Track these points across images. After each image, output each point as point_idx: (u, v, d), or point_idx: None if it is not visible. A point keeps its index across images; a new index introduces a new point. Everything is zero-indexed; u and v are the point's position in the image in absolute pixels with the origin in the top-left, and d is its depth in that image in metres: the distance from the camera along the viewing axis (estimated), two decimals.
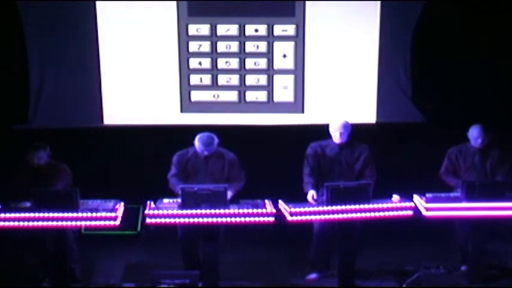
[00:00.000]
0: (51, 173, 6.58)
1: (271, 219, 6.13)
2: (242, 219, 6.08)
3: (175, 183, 6.48)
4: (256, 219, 6.10)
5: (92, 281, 6.70)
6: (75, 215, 5.94)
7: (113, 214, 6.03)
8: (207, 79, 8.15)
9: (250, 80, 8.15)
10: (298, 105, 8.22)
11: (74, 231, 6.65)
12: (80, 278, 6.65)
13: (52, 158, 6.64)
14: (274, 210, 6.14)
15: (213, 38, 8.05)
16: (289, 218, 6.13)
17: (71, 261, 6.58)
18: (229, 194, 6.27)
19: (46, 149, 6.58)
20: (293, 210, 6.10)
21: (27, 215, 5.93)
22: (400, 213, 6.19)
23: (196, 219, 6.03)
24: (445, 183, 6.75)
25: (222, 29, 8.02)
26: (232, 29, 8.02)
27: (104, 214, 6.01)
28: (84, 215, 5.97)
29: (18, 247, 7.00)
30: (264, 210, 6.10)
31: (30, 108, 8.11)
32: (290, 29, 8.03)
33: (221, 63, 8.11)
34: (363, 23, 8.04)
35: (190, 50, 8.07)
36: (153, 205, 6.17)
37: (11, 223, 5.97)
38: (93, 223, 6.02)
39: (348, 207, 6.07)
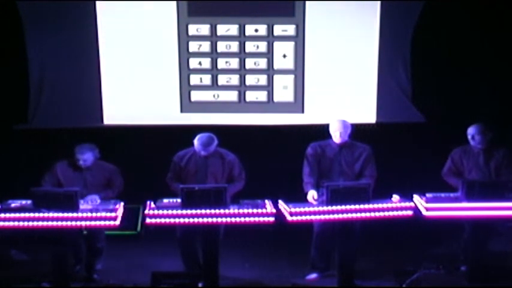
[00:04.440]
0: (99, 174, 6.60)
1: (271, 219, 6.13)
2: (242, 219, 6.07)
3: (173, 185, 6.53)
4: (256, 219, 6.10)
5: (92, 281, 6.70)
6: (75, 215, 5.94)
7: (113, 214, 6.03)
8: (207, 79, 8.15)
9: (250, 80, 8.16)
10: (298, 105, 8.23)
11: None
12: (98, 280, 6.68)
13: (101, 158, 6.67)
14: (274, 210, 6.14)
15: (213, 38, 8.05)
16: (289, 218, 6.12)
17: (97, 262, 6.68)
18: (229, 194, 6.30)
19: (93, 151, 6.56)
20: (293, 210, 6.09)
21: (27, 215, 5.93)
22: (400, 213, 6.18)
23: (196, 219, 6.02)
24: (447, 183, 6.75)
25: (222, 29, 8.02)
26: (232, 29, 8.03)
27: (104, 214, 6.01)
28: (84, 215, 5.97)
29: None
30: (264, 210, 6.10)
31: (30, 108, 8.11)
32: (290, 29, 8.03)
33: (221, 63, 8.11)
34: (363, 23, 8.04)
35: (190, 50, 8.07)
36: (153, 205, 6.16)
37: (11, 223, 5.97)
38: (93, 223, 6.02)
39: (348, 207, 6.07)
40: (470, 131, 6.66)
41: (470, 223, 6.52)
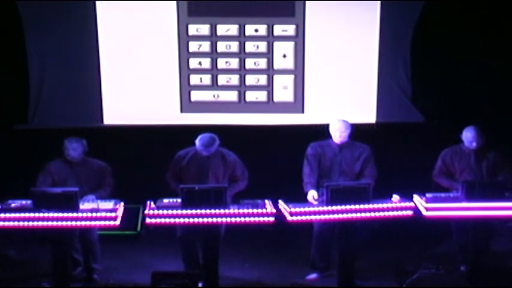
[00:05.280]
0: (91, 170, 6.61)
1: (271, 219, 6.13)
2: (242, 219, 6.07)
3: (172, 183, 6.54)
4: (256, 219, 6.10)
5: (91, 281, 6.69)
6: (75, 215, 5.94)
7: (113, 214, 6.03)
8: (207, 79, 8.15)
9: (250, 80, 8.16)
10: (298, 105, 8.22)
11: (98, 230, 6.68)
12: (98, 279, 6.67)
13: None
14: (274, 210, 6.14)
15: (213, 38, 8.05)
16: (289, 218, 6.12)
17: (92, 262, 6.66)
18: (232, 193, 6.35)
19: (82, 142, 6.60)
20: (293, 210, 6.09)
21: (27, 215, 5.93)
22: (400, 213, 6.18)
23: (196, 219, 6.02)
24: (438, 184, 6.75)
25: (222, 29, 8.02)
26: (232, 29, 8.03)
27: (104, 214, 6.01)
28: (84, 215, 5.96)
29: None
30: (264, 210, 6.10)
31: (30, 108, 8.11)
32: (290, 29, 8.03)
33: (221, 63, 8.11)
34: (363, 23, 8.04)
35: (190, 50, 8.07)
36: (153, 205, 6.16)
37: (11, 223, 5.96)
38: (93, 223, 6.02)
39: (348, 207, 6.07)
40: (469, 133, 6.63)
41: (469, 223, 6.52)
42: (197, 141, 6.52)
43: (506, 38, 7.98)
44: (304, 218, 6.14)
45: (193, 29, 8.02)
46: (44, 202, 5.94)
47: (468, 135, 6.63)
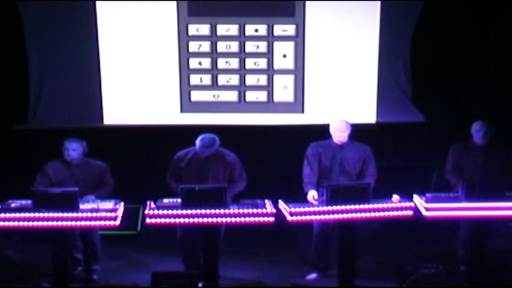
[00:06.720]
0: (89, 171, 6.59)
1: (271, 219, 6.12)
2: (242, 219, 6.07)
3: (172, 184, 6.53)
4: (256, 219, 6.10)
5: (91, 281, 6.69)
6: (75, 215, 5.94)
7: (113, 214, 6.02)
8: (207, 79, 8.15)
9: (250, 80, 8.16)
10: (298, 105, 8.23)
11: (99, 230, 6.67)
12: (98, 280, 6.67)
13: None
14: (274, 210, 6.13)
15: (213, 38, 8.05)
16: (289, 218, 6.12)
17: (93, 262, 6.65)
18: (230, 194, 6.31)
19: (82, 143, 6.59)
20: (293, 210, 6.09)
21: (27, 215, 5.93)
22: (400, 213, 6.18)
23: (196, 219, 6.02)
24: (449, 181, 6.74)
25: (222, 29, 8.03)
26: (232, 29, 8.03)
27: (104, 214, 6.01)
28: (84, 215, 5.96)
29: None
30: (264, 210, 6.09)
31: (30, 108, 8.11)
32: (290, 29, 8.04)
33: (221, 63, 8.11)
34: (363, 23, 8.04)
35: (190, 50, 8.07)
36: (153, 205, 6.16)
37: (11, 223, 5.96)
38: (93, 223, 6.02)
39: (348, 207, 6.06)
40: (477, 126, 6.66)
41: (467, 222, 6.52)
42: (198, 142, 6.51)
43: (506, 38, 7.98)
44: (304, 218, 6.13)
45: (193, 29, 8.03)
46: (44, 202, 5.93)
47: (476, 126, 6.66)
